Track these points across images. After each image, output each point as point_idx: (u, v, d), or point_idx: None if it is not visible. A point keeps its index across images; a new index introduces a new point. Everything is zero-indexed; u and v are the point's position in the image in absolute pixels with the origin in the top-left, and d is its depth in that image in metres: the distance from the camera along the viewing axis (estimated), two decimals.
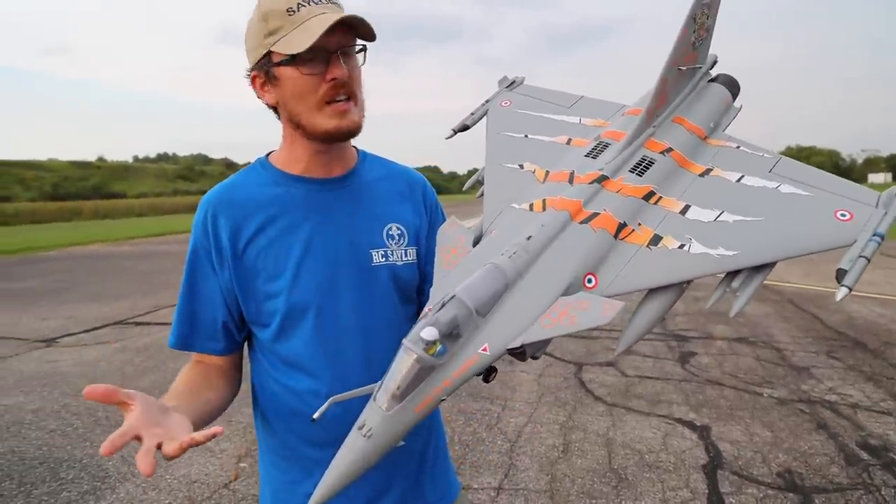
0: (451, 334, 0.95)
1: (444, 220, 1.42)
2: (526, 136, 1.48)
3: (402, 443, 0.98)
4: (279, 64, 1.25)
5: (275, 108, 1.35)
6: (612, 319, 0.98)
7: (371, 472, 1.25)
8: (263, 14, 1.25)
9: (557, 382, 5.71)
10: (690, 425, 4.69)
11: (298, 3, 1.22)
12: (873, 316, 8.23)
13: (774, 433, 4.50)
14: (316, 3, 1.24)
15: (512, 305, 1.01)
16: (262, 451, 1.48)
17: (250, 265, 1.32)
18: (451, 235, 1.19)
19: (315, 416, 1.06)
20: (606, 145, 1.33)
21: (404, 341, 0.96)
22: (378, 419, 0.95)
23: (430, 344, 0.94)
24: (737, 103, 1.49)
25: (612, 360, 6.36)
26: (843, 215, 1.09)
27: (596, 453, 4.24)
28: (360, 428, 0.95)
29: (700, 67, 1.46)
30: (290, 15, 1.22)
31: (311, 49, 1.19)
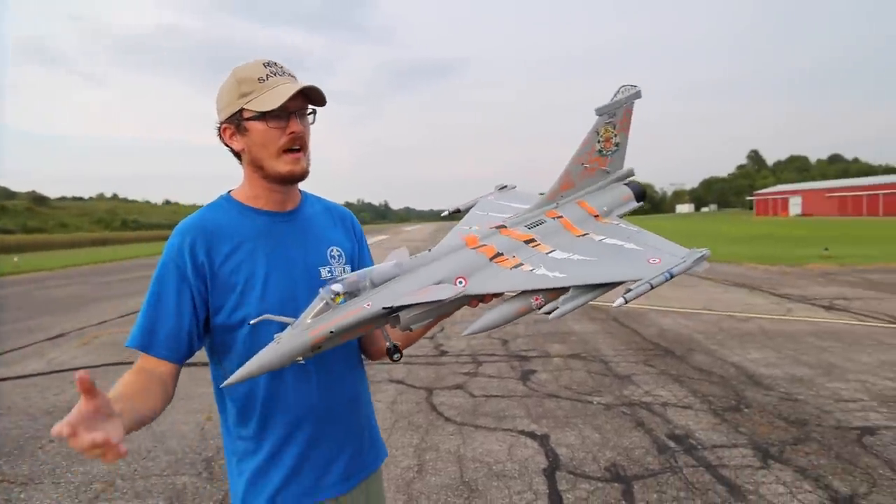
0: (352, 292, 1.45)
1: (367, 247, 1.99)
2: (487, 213, 2.03)
3: (300, 360, 1.40)
4: (250, 119, 1.59)
5: (237, 155, 1.69)
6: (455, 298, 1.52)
7: (327, 441, 1.74)
8: (238, 80, 1.59)
9: (410, 408, 5.97)
10: (532, 435, 5.15)
11: (267, 74, 1.59)
12: (679, 327, 9.46)
13: (602, 434, 5.09)
14: (280, 76, 1.60)
15: (397, 284, 1.50)
16: (231, 449, 1.73)
17: (225, 280, 1.61)
18: (398, 256, 1.66)
19: (252, 321, 1.53)
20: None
21: (321, 290, 1.44)
22: (287, 333, 1.39)
23: (335, 294, 1.43)
24: (642, 203, 2.04)
25: (459, 383, 6.76)
26: (653, 260, 1.55)
27: (448, 470, 4.53)
28: (276, 338, 1.39)
29: (609, 172, 1.99)
30: (260, 83, 1.58)
31: (277, 109, 1.55)
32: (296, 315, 1.51)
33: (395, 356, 1.60)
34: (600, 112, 1.86)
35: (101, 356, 8.84)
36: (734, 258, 20.46)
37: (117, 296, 16.26)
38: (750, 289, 13.72)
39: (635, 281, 1.46)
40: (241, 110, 1.59)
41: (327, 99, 1.66)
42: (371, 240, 1.88)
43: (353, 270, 1.81)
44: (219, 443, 5.15)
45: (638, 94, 1.90)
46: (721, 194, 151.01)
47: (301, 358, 1.39)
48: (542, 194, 2.09)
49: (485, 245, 1.67)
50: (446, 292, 1.48)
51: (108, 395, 1.29)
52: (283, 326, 1.45)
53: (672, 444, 4.84)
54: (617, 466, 4.46)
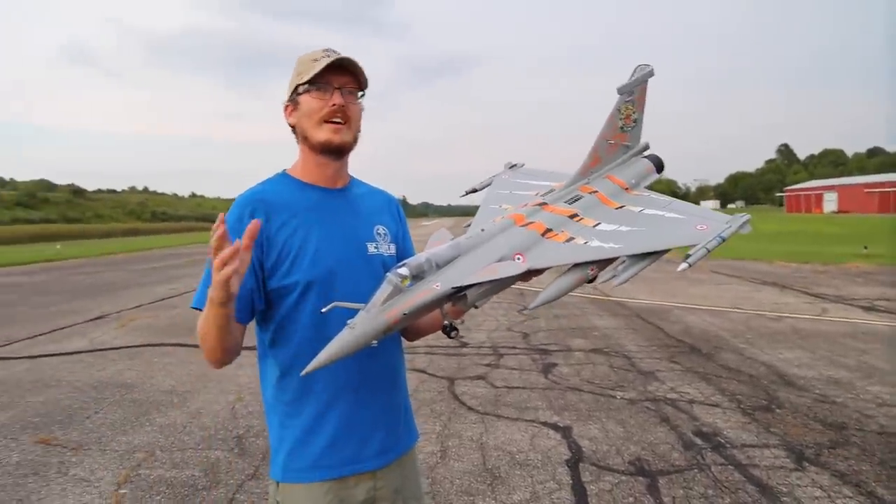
0: (417, 275, 1.47)
1: (408, 229, 2.07)
2: (511, 192, 2.14)
3: (374, 343, 1.41)
4: (299, 92, 1.74)
5: (293, 129, 1.80)
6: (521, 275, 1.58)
7: (367, 411, 1.77)
8: (299, 62, 1.77)
9: (432, 396, 5.94)
10: (554, 427, 5.08)
11: (322, 56, 1.72)
12: (705, 325, 9.28)
13: (626, 429, 5.00)
14: (333, 57, 1.71)
15: (460, 264, 1.54)
16: (273, 415, 1.77)
17: (280, 247, 1.70)
18: (440, 236, 1.78)
19: (323, 310, 1.52)
20: (553, 189, 1.97)
21: (388, 274, 1.46)
22: (361, 318, 1.41)
23: (403, 277, 1.45)
24: (661, 174, 2.14)
25: (481, 374, 6.71)
26: (701, 227, 1.63)
27: (471, 456, 4.49)
28: (349, 324, 1.40)
29: (629, 147, 2.11)
30: (314, 62, 1.72)
31: (322, 83, 1.70)
32: (344, 285, 1.68)
33: (452, 333, 1.62)
34: (621, 91, 1.98)
35: (139, 337, 9.12)
36: (764, 256, 20.05)
37: (149, 283, 16.66)
38: (781, 287, 13.42)
39: (692, 246, 1.54)
40: (297, 86, 1.74)
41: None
42: None
43: (397, 249, 1.91)
44: (249, 422, 5.27)
45: (651, 73, 2.02)
46: (748, 190, 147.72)
47: (375, 341, 1.42)
48: (551, 173, 2.24)
49: (533, 222, 1.74)
50: (513, 269, 1.54)
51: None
52: (323, 302, 1.54)
53: (699, 441, 4.73)
54: (641, 461, 4.37)
